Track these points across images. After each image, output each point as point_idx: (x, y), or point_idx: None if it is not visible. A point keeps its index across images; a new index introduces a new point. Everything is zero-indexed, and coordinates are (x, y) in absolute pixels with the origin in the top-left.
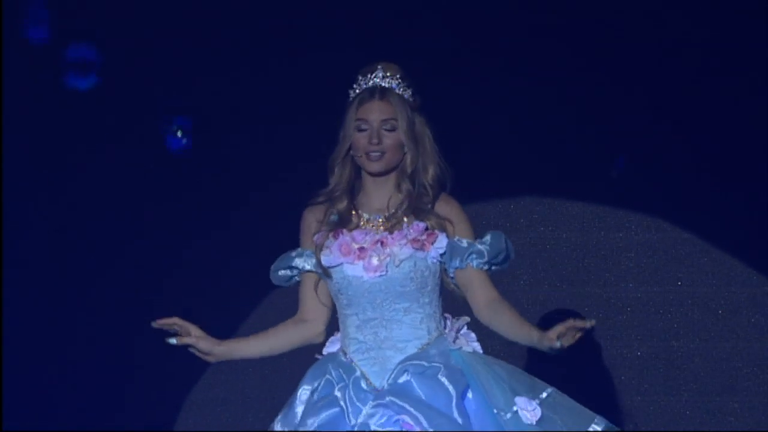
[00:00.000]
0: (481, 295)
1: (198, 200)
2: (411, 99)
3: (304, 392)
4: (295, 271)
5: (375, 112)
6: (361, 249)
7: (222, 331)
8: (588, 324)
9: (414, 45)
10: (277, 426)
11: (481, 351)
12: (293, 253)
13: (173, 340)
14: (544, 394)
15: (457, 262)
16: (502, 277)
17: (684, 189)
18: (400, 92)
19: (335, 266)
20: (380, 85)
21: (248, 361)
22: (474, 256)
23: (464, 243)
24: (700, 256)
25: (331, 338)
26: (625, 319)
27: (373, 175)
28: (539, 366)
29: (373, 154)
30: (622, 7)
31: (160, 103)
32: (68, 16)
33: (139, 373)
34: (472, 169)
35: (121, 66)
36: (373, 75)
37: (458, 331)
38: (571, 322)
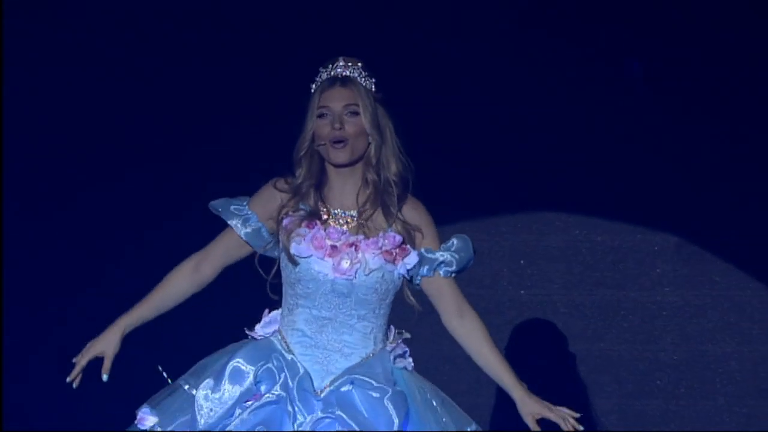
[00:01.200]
0: (451, 304)
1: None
2: (374, 89)
3: (237, 367)
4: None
5: (337, 99)
6: (333, 247)
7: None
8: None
9: (446, 51)
10: (199, 393)
11: (412, 366)
12: (233, 207)
13: (105, 377)
14: (470, 429)
15: (425, 270)
16: (536, 281)
17: (719, 192)
18: (363, 82)
19: (304, 257)
20: (342, 73)
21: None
22: (443, 265)
23: (434, 254)
24: (736, 259)
25: (268, 316)
26: (661, 323)
27: (337, 166)
28: (571, 369)
29: (337, 143)
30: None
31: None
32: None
33: (139, 373)
34: (505, 172)
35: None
36: (335, 65)
37: (400, 348)
38: (561, 421)
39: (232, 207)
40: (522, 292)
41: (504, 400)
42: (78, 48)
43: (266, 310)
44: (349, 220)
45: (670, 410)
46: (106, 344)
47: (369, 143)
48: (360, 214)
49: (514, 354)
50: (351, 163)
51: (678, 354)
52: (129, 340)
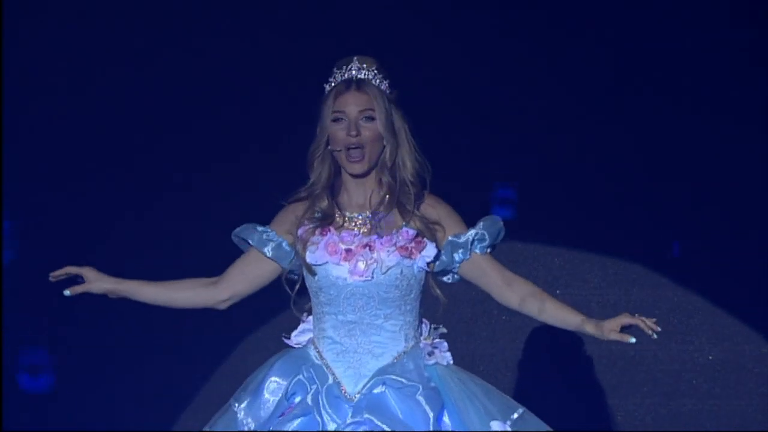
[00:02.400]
0: (497, 278)
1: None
2: (388, 91)
3: (273, 384)
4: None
5: (352, 104)
6: (348, 251)
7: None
8: (652, 333)
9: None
10: (240, 410)
11: (452, 361)
12: (260, 227)
13: (67, 292)
14: (515, 415)
15: (460, 255)
16: (573, 280)
17: (754, 191)
18: (377, 84)
19: (320, 265)
20: (357, 76)
21: (251, 363)
22: (477, 242)
23: (462, 236)
24: None
25: (303, 325)
26: (697, 322)
27: (354, 176)
28: (606, 368)
29: (354, 152)
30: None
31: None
32: None
33: (139, 373)
34: (537, 171)
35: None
36: (349, 67)
37: (434, 344)
38: (640, 322)
39: (258, 228)
40: (557, 291)
41: (535, 401)
42: (79, 50)
43: (304, 314)
44: (364, 220)
45: (705, 410)
46: (96, 279)
47: (384, 146)
48: (374, 214)
49: (549, 353)
50: (367, 172)
51: (713, 354)
52: (140, 347)
